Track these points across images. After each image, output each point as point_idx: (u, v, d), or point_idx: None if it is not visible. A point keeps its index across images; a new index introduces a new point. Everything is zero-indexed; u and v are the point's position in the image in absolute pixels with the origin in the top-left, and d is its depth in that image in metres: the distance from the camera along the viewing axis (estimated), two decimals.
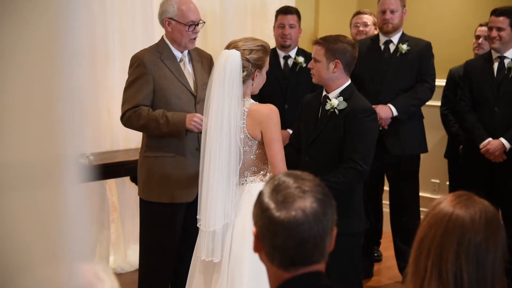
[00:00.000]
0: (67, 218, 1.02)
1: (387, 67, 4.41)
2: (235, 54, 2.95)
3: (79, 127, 1.04)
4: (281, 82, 4.61)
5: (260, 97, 3.95)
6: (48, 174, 1.00)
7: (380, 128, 4.15)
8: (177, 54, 3.57)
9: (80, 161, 1.05)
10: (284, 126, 4.36)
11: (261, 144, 2.99)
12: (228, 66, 2.93)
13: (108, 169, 4.02)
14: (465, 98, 4.39)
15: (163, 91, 3.49)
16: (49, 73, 1.00)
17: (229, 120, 2.92)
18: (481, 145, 4.24)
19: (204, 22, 3.59)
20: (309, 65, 3.35)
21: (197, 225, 3.02)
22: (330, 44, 3.25)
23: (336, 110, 3.27)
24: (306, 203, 1.46)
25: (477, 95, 4.34)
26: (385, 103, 4.31)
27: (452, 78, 4.84)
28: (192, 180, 3.37)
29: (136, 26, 4.50)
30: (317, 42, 3.31)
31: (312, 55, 3.33)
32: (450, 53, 5.15)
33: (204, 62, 3.67)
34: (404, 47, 4.39)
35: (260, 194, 1.52)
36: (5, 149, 0.97)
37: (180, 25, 3.48)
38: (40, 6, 0.98)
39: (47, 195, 1.00)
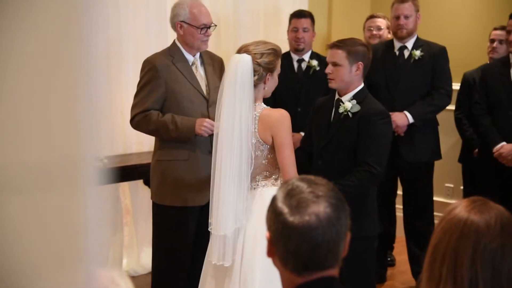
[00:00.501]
0: (85, 221, 1.02)
1: (401, 73, 4.39)
2: (246, 58, 2.94)
3: (96, 130, 1.04)
4: (295, 85, 4.61)
5: (273, 100, 3.95)
6: (65, 177, 1.01)
7: (396, 135, 4.14)
8: (189, 57, 3.58)
9: (96, 164, 1.06)
10: (297, 129, 4.35)
11: (272, 148, 2.98)
12: (239, 70, 2.92)
13: (121, 172, 4.03)
14: (481, 102, 4.36)
15: (175, 95, 3.50)
16: (66, 76, 1.00)
17: (240, 124, 2.92)
18: (494, 149, 4.22)
19: (216, 25, 3.60)
20: (328, 70, 3.29)
21: (209, 229, 3.01)
22: (351, 47, 3.23)
23: (349, 113, 3.26)
24: (319, 208, 1.45)
25: (492, 99, 4.32)
26: (400, 110, 4.28)
27: (466, 82, 4.81)
28: (205, 183, 3.37)
29: (150, 29, 4.51)
30: (336, 46, 3.26)
31: (331, 60, 3.28)
32: (465, 57, 5.12)
33: (216, 65, 3.68)
34: (418, 53, 4.36)
35: (274, 199, 1.52)
36: (22, 150, 0.97)
37: (192, 28, 3.49)
38: (57, 8, 0.99)
39: (64, 198, 1.01)
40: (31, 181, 0.97)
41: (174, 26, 3.56)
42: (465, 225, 1.57)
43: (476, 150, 4.68)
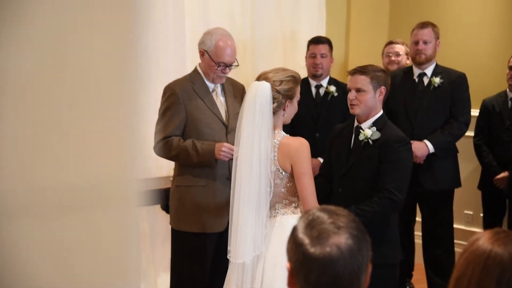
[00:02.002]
0: (131, 241, 1.04)
1: (421, 100, 4.38)
2: (265, 86, 2.95)
3: (141, 151, 1.06)
4: (313, 111, 4.62)
5: (291, 126, 3.95)
6: (114, 197, 1.03)
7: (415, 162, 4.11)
8: (210, 84, 3.59)
9: (140, 185, 1.08)
10: (315, 155, 4.34)
11: (292, 177, 2.96)
12: (258, 98, 2.93)
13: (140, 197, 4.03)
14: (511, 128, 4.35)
15: (195, 121, 3.51)
16: (116, 98, 1.03)
17: (260, 152, 2.91)
18: None
19: (238, 65, 3.56)
20: (351, 96, 3.27)
21: (228, 256, 3.00)
22: (373, 72, 3.25)
23: (370, 140, 3.25)
24: (341, 239, 1.44)
25: None
26: (420, 137, 4.26)
27: (485, 108, 4.78)
28: (223, 209, 3.37)
29: (169, 53, 4.54)
30: (359, 72, 3.27)
31: (354, 86, 3.27)
32: (484, 83, 5.10)
33: (237, 92, 3.68)
34: (437, 80, 4.36)
35: (294, 229, 1.51)
36: (73, 172, 0.99)
37: (211, 61, 3.49)
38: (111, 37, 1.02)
39: (114, 218, 1.03)
40: (82, 202, 1.00)
41: (199, 51, 3.58)
42: (488, 257, 1.55)
43: (495, 177, 4.64)
